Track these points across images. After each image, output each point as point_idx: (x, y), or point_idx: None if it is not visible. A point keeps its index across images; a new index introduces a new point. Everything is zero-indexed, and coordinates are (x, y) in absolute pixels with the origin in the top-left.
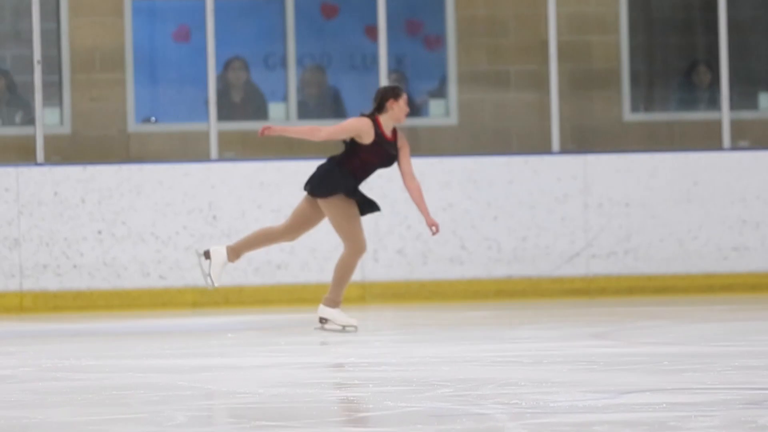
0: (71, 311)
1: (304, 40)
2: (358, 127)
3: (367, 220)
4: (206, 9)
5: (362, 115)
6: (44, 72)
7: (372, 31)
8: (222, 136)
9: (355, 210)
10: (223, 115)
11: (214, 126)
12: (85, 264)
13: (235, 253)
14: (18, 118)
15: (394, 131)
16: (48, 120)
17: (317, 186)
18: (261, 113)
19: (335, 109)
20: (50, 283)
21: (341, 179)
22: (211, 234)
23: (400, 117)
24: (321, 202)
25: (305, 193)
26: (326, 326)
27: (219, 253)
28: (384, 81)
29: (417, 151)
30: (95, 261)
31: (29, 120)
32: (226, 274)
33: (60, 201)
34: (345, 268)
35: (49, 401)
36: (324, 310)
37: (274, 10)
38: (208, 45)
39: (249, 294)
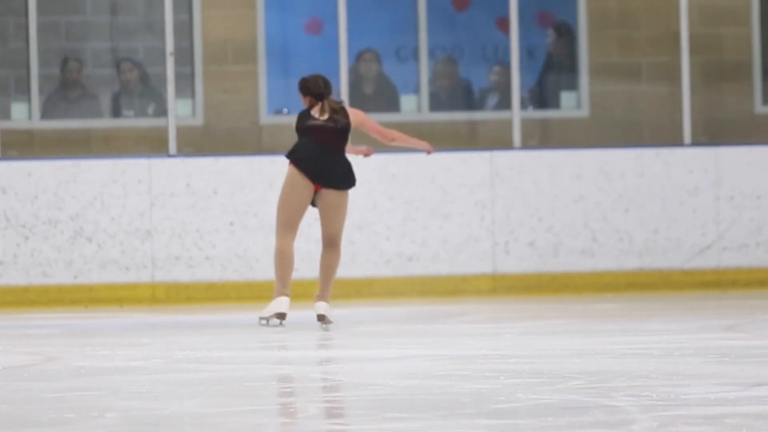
0: (203, 303)
1: (436, 31)
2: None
3: (499, 212)
4: (338, 1)
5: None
6: (177, 64)
7: (504, 23)
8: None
9: None
10: (354, 107)
11: None
12: (217, 255)
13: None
14: (151, 110)
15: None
16: (180, 111)
17: (352, 178)
18: (393, 105)
19: (467, 101)
20: (182, 274)
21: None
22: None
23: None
24: (343, 195)
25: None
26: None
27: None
28: (515, 73)
29: (548, 143)
30: (227, 252)
31: (162, 111)
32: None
33: (192, 192)
34: (337, 263)
35: (181, 393)
36: (321, 307)
37: (406, 2)
38: (340, 37)
39: (380, 286)
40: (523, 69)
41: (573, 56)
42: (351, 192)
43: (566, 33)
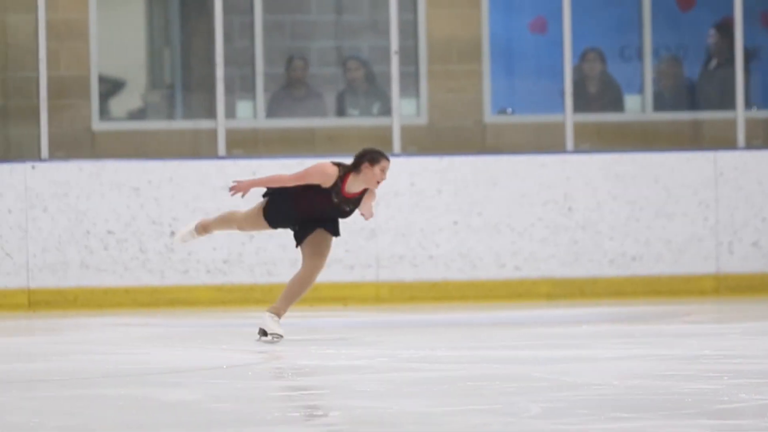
0: (426, 302)
1: (660, 31)
2: (319, 174)
3: (723, 212)
4: (563, 0)
5: (334, 163)
6: (401, 63)
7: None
8: (578, 128)
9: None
10: (578, 107)
11: (569, 117)
12: (440, 255)
13: (203, 229)
14: (375, 109)
15: (364, 190)
16: (405, 110)
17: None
18: (617, 105)
19: (691, 101)
20: (406, 273)
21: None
22: (567, 226)
23: (371, 183)
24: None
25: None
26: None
27: (188, 232)
28: (740, 73)
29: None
30: (451, 252)
31: (386, 110)
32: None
33: (416, 192)
34: (300, 286)
35: (405, 392)
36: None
37: (630, 1)
38: (565, 36)
39: (603, 285)
40: (747, 69)
41: None
42: (571, 191)
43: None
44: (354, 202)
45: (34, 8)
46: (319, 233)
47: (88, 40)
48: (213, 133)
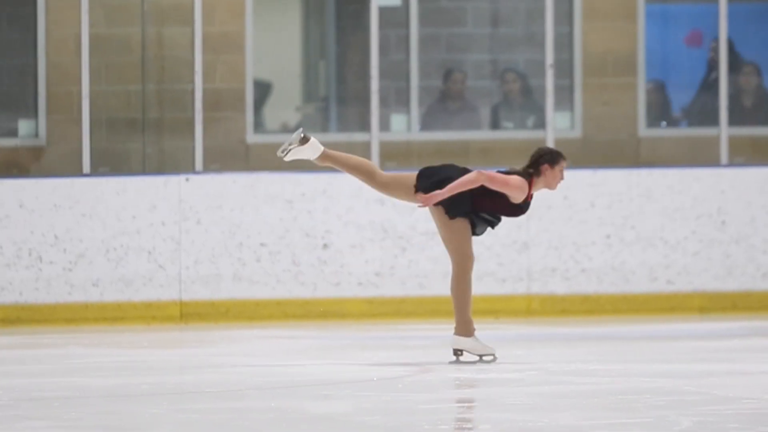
0: (578, 315)
1: None
2: (515, 189)
3: None
4: (720, 13)
5: (519, 174)
6: (556, 76)
7: None
8: (732, 141)
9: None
10: (733, 120)
11: (724, 131)
12: (593, 268)
13: (326, 157)
14: (530, 122)
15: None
16: (559, 124)
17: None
18: None
19: None
20: (558, 286)
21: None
22: (720, 239)
23: (552, 185)
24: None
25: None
26: (461, 357)
27: (315, 147)
28: None
29: None
30: (603, 265)
31: (540, 124)
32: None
33: (569, 205)
34: (458, 287)
35: (556, 405)
36: (458, 341)
37: None
38: (721, 50)
39: (757, 299)
40: None
41: None
42: (725, 204)
43: None
44: (529, 204)
45: (191, 21)
46: (470, 237)
47: (244, 52)
48: (367, 146)
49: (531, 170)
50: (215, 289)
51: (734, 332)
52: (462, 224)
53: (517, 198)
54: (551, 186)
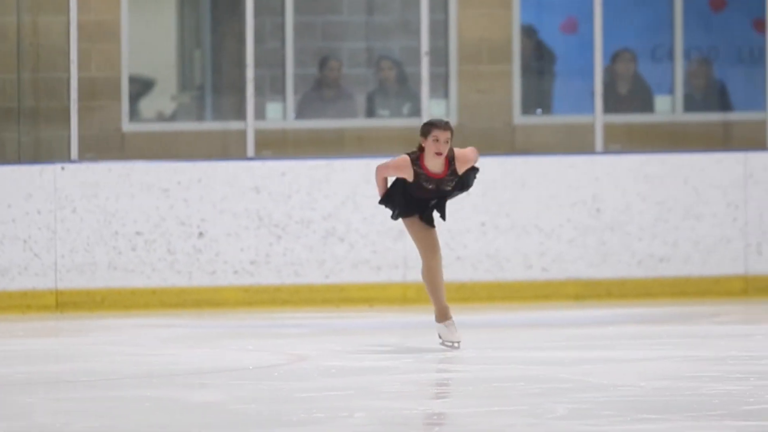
0: (453, 302)
1: (692, 32)
2: (394, 169)
3: (752, 213)
4: (594, 1)
5: (408, 153)
6: (431, 63)
7: (760, 24)
8: (608, 129)
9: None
10: (609, 108)
11: (599, 118)
12: (468, 255)
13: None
14: (405, 110)
15: (449, 161)
16: (434, 111)
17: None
18: (647, 106)
19: (721, 102)
20: None
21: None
22: (595, 227)
23: (432, 156)
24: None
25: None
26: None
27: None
28: None
29: None
30: (478, 253)
31: (416, 111)
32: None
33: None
34: (425, 278)
35: (429, 393)
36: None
37: (662, 1)
38: (596, 36)
39: (631, 287)
40: None
41: None
42: (600, 192)
43: None
44: (450, 179)
45: (66, 9)
46: (422, 227)
47: (120, 41)
48: (242, 135)
49: (418, 148)
50: (91, 277)
51: (609, 319)
52: (407, 221)
53: (408, 178)
54: (432, 157)
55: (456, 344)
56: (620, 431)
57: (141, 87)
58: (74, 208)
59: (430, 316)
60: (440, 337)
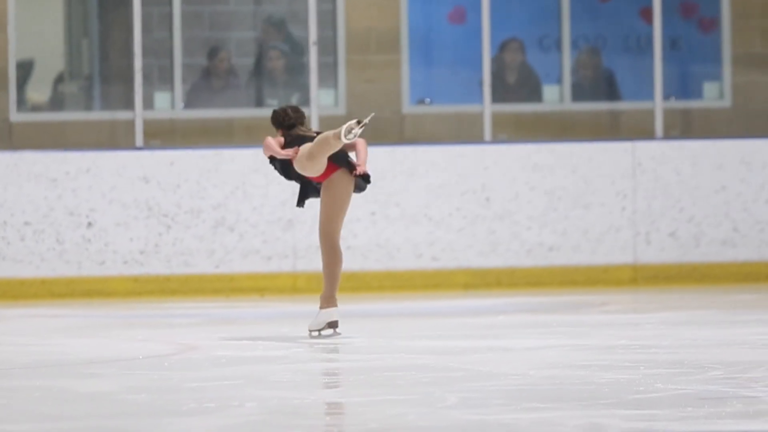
0: (344, 292)
1: (579, 21)
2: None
3: (640, 202)
4: None
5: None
6: (320, 53)
7: (647, 13)
8: (496, 118)
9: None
10: (497, 97)
11: (488, 107)
12: (358, 245)
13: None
14: (294, 99)
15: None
16: (323, 101)
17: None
18: (535, 95)
19: (609, 92)
20: None
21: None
22: (484, 216)
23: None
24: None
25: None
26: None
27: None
28: (658, 63)
29: (690, 134)
30: (368, 242)
31: (305, 101)
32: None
33: None
34: (323, 263)
35: (321, 382)
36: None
37: None
38: (484, 26)
39: (521, 276)
40: (665, 60)
41: (716, 47)
42: (489, 181)
43: None
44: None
45: None
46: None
47: (6, 30)
48: (131, 124)
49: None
50: None
51: (498, 309)
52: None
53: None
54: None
55: (318, 333)
56: (511, 419)
57: (22, 71)
58: None
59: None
60: (328, 326)
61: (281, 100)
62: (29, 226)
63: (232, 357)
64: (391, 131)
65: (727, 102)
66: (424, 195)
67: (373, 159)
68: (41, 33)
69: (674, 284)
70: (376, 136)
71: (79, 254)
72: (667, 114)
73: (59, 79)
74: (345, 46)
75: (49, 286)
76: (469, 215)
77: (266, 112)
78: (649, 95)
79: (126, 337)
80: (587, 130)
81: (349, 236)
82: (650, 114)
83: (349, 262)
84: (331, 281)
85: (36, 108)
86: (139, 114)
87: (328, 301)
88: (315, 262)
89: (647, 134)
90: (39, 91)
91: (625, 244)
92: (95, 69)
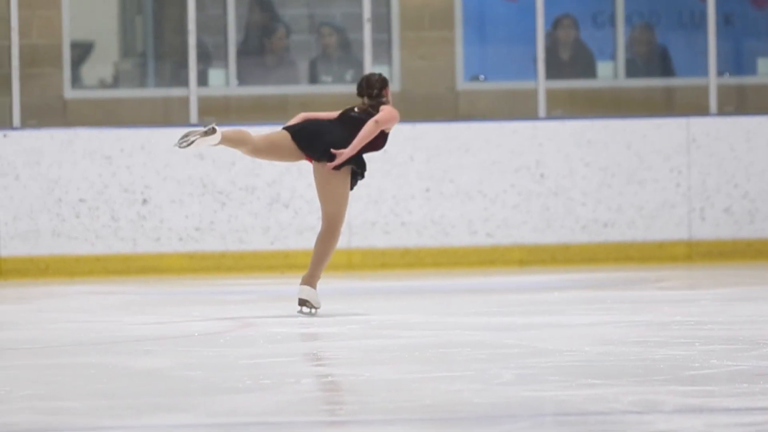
0: (398, 269)
1: None
2: (396, 118)
3: (695, 178)
4: None
5: (383, 104)
6: (374, 30)
7: None
8: (550, 94)
9: None
10: (551, 74)
11: (542, 84)
12: (413, 221)
13: (224, 140)
14: (348, 76)
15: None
16: None
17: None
18: (589, 71)
19: (663, 67)
20: (378, 240)
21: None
22: (539, 192)
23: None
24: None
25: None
26: (304, 309)
27: (216, 135)
28: (712, 39)
29: (744, 110)
30: (423, 218)
31: (359, 77)
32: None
33: (388, 159)
34: (322, 245)
35: (376, 359)
36: (302, 290)
37: None
38: (537, 2)
39: (575, 252)
40: (719, 36)
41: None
42: (543, 157)
43: None
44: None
45: None
46: (346, 181)
47: (60, 8)
48: (185, 101)
49: (383, 99)
50: (34, 245)
51: (553, 285)
52: (344, 179)
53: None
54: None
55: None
56: (566, 396)
57: (81, 51)
58: (17, 175)
59: (375, 283)
60: (308, 300)
61: (335, 77)
62: (84, 203)
63: (288, 334)
64: (445, 108)
65: None
66: (478, 171)
67: (427, 135)
68: (96, 10)
69: (729, 260)
70: (430, 113)
71: (134, 231)
72: (721, 90)
73: (119, 59)
74: (399, 22)
75: (104, 263)
76: (524, 191)
77: (320, 89)
78: (703, 71)
79: (181, 315)
80: (641, 107)
81: (403, 213)
82: (704, 90)
83: (404, 239)
84: (319, 263)
85: (102, 85)
86: (193, 91)
87: (312, 281)
88: (370, 239)
89: (701, 110)
90: (93, 68)
91: (679, 220)
92: (149, 46)
